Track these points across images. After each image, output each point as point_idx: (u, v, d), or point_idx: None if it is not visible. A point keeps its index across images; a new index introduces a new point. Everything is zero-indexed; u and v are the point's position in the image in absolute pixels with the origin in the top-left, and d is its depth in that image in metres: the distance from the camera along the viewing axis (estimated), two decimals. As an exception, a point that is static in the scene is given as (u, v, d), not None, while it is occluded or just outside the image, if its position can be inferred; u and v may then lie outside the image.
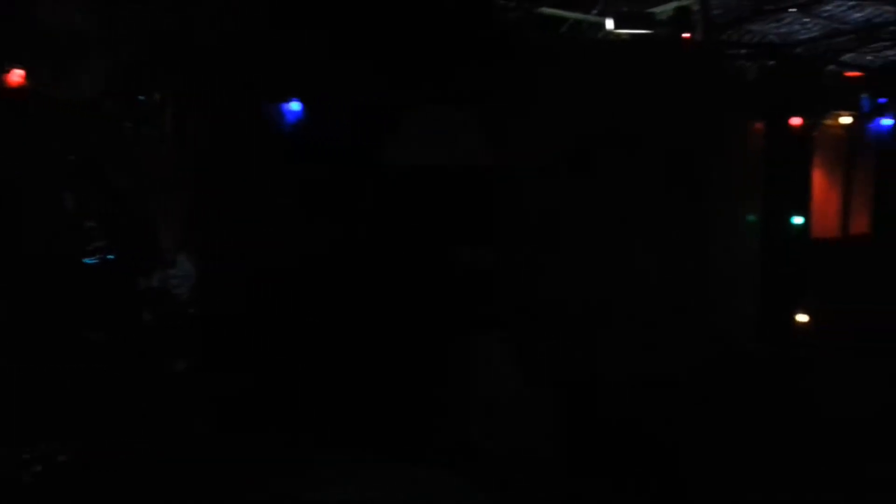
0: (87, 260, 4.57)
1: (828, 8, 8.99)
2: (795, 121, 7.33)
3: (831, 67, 9.19)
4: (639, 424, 5.50)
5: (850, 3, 8.85)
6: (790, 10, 8.88)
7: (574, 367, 5.95)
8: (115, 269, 4.60)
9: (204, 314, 4.84)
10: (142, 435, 4.65)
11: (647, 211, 6.52)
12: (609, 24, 7.24)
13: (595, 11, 7.93)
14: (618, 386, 5.87)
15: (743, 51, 8.47)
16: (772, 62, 8.12)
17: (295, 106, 5.38)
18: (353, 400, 5.21)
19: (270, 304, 5.10)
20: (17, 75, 4.72)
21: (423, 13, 5.70)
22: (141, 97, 4.79)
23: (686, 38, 7.32)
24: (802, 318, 7.32)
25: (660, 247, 6.57)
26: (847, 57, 10.02)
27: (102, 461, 4.45)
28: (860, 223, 7.89)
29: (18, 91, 4.76)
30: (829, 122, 7.77)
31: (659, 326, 6.43)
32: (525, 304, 5.86)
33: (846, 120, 7.81)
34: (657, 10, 7.60)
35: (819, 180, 7.65)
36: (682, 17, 7.47)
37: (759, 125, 7.28)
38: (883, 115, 8.03)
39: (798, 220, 7.34)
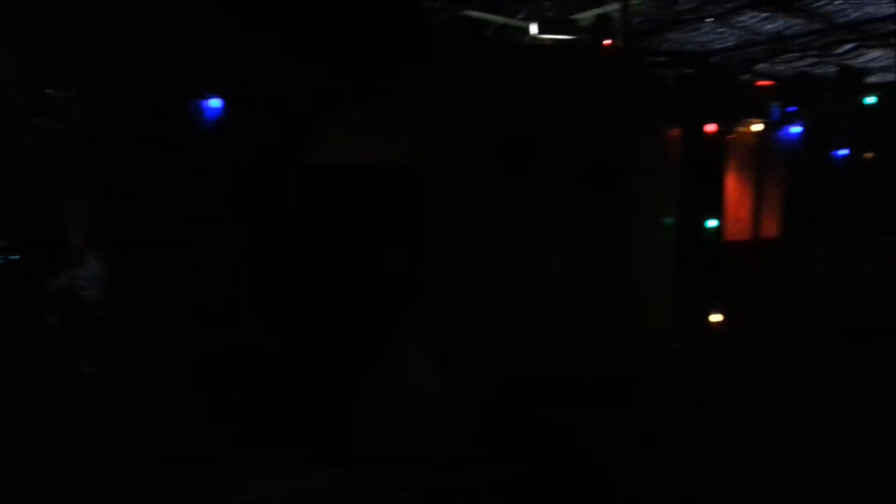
0: (-10, 260, 4.37)
1: (742, 19, 9.37)
2: (710, 127, 7.56)
3: (745, 76, 9.58)
4: (563, 423, 5.60)
5: (764, 15, 9.25)
6: (707, 20, 9.22)
7: (499, 368, 6.01)
8: (20, 269, 4.40)
9: (113, 316, 4.67)
10: (51, 440, 4.48)
11: (570, 213, 6.64)
12: (533, 28, 7.36)
13: (520, 16, 8.05)
14: (542, 385, 5.96)
15: (662, 58, 8.73)
16: (689, 70, 8.35)
17: (215, 103, 5.25)
18: (273, 402, 5.14)
19: (185, 306, 4.97)
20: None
21: (347, 13, 5.66)
22: (49, 91, 4.59)
23: (607, 45, 7.49)
24: (716, 317, 7.56)
25: (582, 248, 6.70)
26: (760, 66, 10.46)
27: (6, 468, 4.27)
28: (770, 227, 8.20)
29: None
30: (742, 129, 8.04)
31: (581, 326, 6.55)
32: (449, 304, 5.89)
33: (758, 127, 8.10)
34: (580, 16, 7.77)
35: (732, 185, 7.91)
36: (603, 25, 7.64)
37: (676, 131, 7.48)
38: (792, 123, 8.36)
39: (712, 223, 7.58)
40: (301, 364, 5.33)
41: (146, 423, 4.74)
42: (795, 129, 8.36)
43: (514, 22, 8.05)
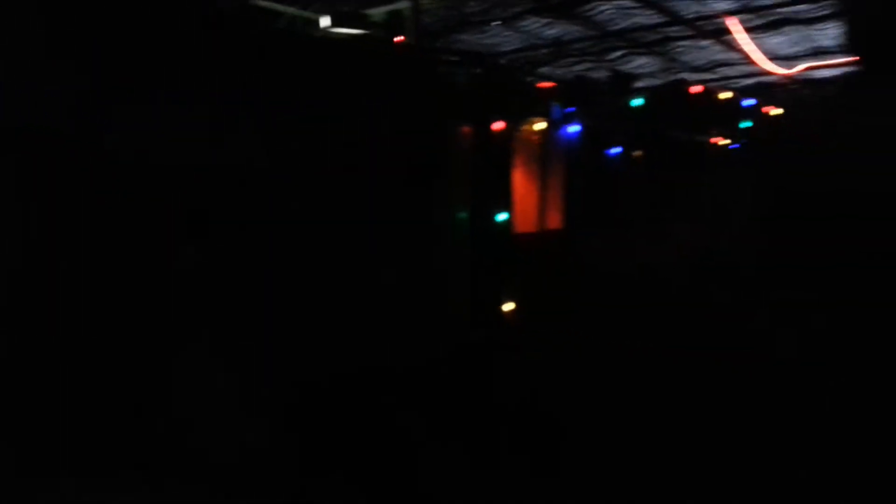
0: None
1: (526, 24, 9.91)
2: (497, 125, 7.89)
3: (529, 78, 10.14)
4: (371, 418, 5.61)
5: (544, 21, 9.84)
6: (494, 23, 9.65)
7: (303, 366, 5.90)
8: None
9: None
10: None
11: (370, 208, 6.65)
12: (325, 21, 7.28)
13: (312, 8, 7.93)
14: (347, 381, 5.93)
15: (453, 58, 8.99)
16: (478, 70, 8.66)
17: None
18: (54, 416, 4.67)
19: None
20: None
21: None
22: None
23: (399, 42, 7.57)
24: (509, 306, 7.92)
25: (383, 243, 6.75)
26: (543, 69, 11.13)
27: None
28: (554, 219, 8.73)
29: None
30: (526, 127, 8.48)
31: (385, 320, 6.59)
32: (248, 304, 5.68)
33: (541, 126, 8.58)
34: (372, 11, 7.80)
35: (519, 180, 8.32)
36: (395, 22, 7.73)
37: (466, 128, 7.73)
38: (571, 122, 8.95)
39: (502, 216, 7.92)
40: (85, 372, 4.89)
41: None
42: (574, 129, 8.96)
43: (306, 14, 7.92)
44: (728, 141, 11.62)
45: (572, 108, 8.91)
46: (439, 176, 7.24)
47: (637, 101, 10.17)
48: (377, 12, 7.82)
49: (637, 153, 10.10)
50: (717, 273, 9.99)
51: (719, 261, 10.28)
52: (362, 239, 6.61)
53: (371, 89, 6.58)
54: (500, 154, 7.96)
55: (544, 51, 10.61)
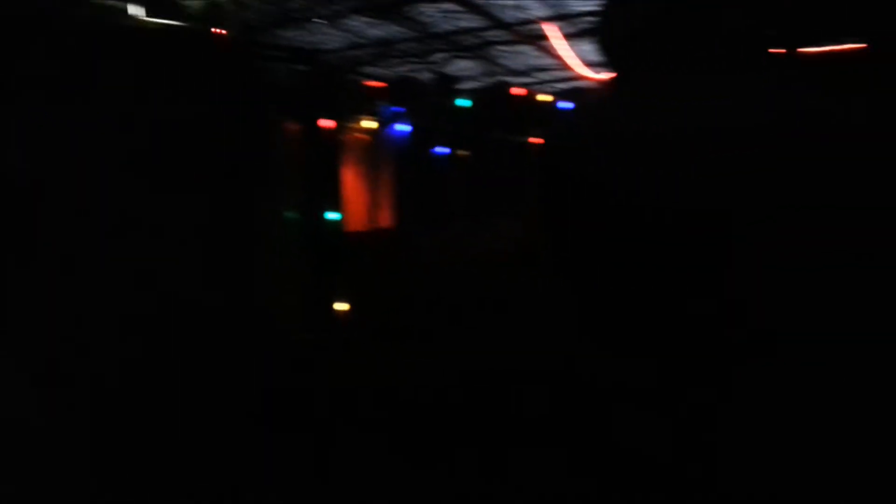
0: None
1: (349, 23, 9.82)
2: (325, 124, 7.78)
3: (356, 77, 10.07)
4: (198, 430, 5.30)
5: (367, 21, 9.79)
6: (316, 20, 9.48)
7: (115, 376, 5.44)
8: None
9: None
10: None
11: (193, 213, 6.29)
12: (138, 10, 6.79)
13: (121, -4, 7.38)
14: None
15: (277, 54, 8.73)
16: (303, 67, 8.49)
17: None
18: None
19: None
20: None
21: None
22: None
23: (219, 35, 7.23)
24: (342, 306, 7.82)
25: (204, 246, 6.40)
26: (370, 69, 11.10)
27: None
28: (385, 218, 8.75)
29: None
30: (355, 126, 8.43)
31: (210, 325, 6.25)
32: (54, 314, 5.15)
33: (370, 125, 8.57)
34: (188, 2, 7.39)
35: (350, 180, 8.26)
36: (213, 13, 7.38)
37: (293, 126, 7.55)
38: (400, 122, 9.01)
39: (333, 216, 7.82)
40: None
41: None
42: (403, 128, 9.03)
43: (114, 2, 7.34)
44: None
45: (401, 108, 8.98)
46: (263, 175, 6.99)
47: (462, 103, 10.41)
48: (193, 3, 7.42)
49: (463, 152, 10.33)
50: (541, 264, 10.44)
51: (539, 253, 10.75)
52: (164, 245, 6.21)
53: (184, 82, 6.22)
54: (329, 152, 7.85)
55: (369, 50, 10.57)
